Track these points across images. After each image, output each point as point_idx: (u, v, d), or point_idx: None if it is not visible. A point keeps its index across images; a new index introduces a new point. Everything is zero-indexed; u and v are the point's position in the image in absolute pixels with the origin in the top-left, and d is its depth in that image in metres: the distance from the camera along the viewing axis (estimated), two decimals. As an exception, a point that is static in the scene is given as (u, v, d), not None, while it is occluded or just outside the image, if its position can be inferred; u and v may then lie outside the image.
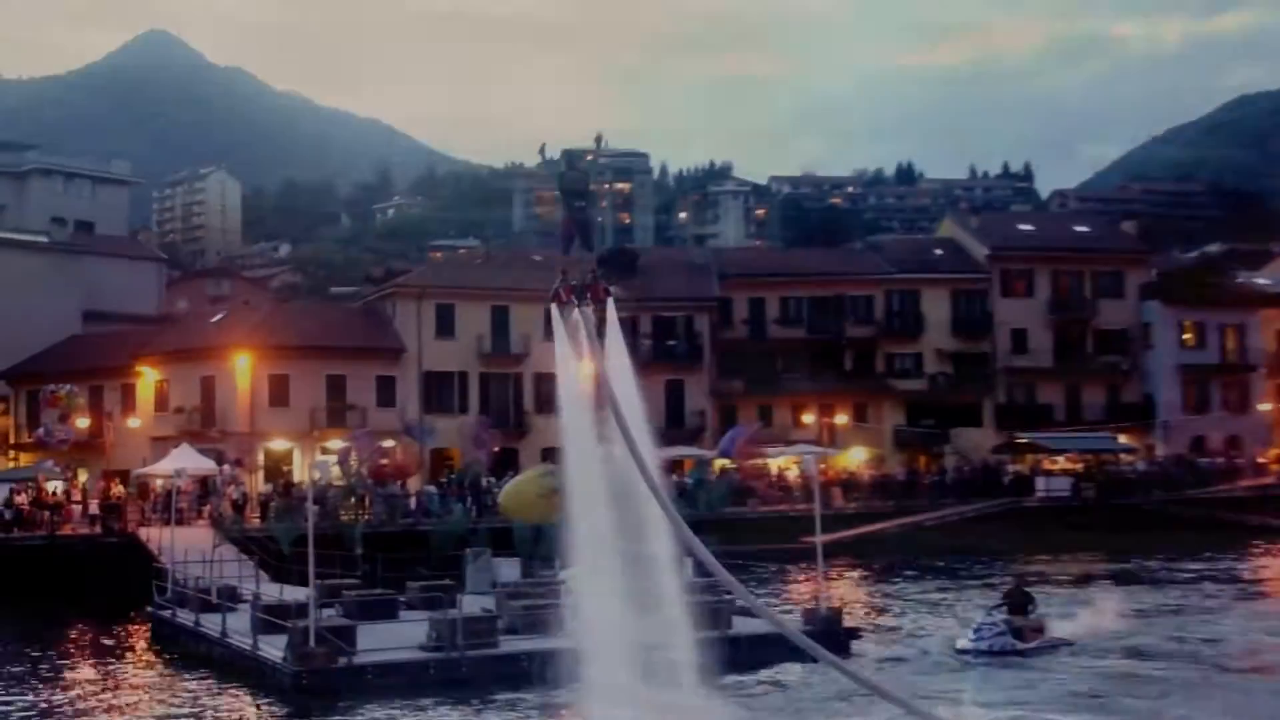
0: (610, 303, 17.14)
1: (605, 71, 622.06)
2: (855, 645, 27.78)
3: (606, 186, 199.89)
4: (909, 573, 46.40)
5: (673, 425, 71.21)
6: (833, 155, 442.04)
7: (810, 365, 75.92)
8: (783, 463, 65.21)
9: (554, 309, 17.23)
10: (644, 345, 73.34)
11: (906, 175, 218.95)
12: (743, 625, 26.97)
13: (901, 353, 77.44)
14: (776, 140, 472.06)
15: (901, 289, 78.44)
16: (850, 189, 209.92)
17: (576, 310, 16.76)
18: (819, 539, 28.95)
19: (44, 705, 24.69)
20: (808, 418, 73.08)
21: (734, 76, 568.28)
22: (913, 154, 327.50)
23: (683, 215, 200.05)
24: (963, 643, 28.12)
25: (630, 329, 72.80)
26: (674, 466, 64.65)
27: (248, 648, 25.56)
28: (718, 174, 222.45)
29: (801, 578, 41.52)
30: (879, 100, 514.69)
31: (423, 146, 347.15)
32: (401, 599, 30.17)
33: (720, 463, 60.93)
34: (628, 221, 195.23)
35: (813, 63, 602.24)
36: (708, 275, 77.51)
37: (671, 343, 74.15)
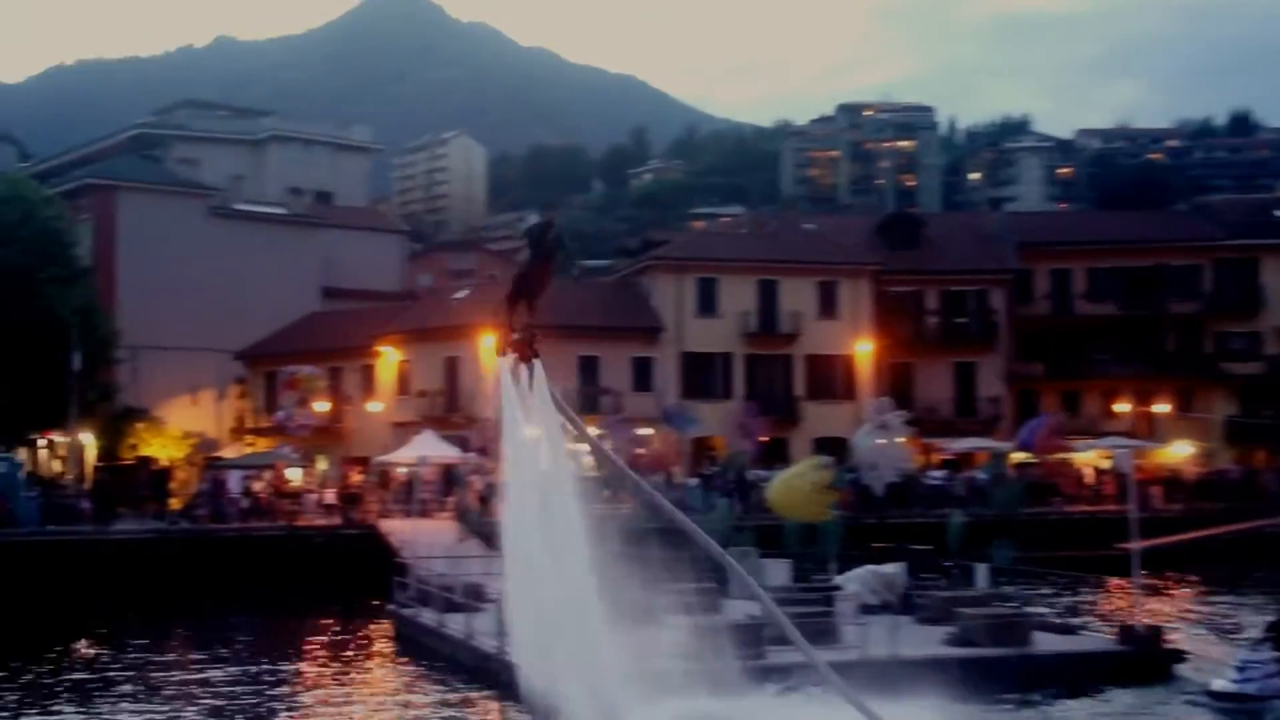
0: (537, 364, 17.87)
1: (884, 14, 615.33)
2: (1179, 670, 26.64)
3: (886, 145, 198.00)
4: (1244, 589, 44.51)
5: (962, 414, 70.27)
6: (1151, 103, 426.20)
7: (1124, 346, 73.82)
8: (1091, 457, 63.46)
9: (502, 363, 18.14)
10: (930, 323, 72.61)
11: (1241, 125, 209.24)
12: (1044, 642, 26.38)
13: (1235, 332, 74.70)
14: (1083, 88, 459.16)
15: (1235, 258, 75.49)
16: (1172, 142, 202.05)
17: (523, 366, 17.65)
18: (1135, 545, 28.03)
19: (285, 706, 25.78)
20: (1120, 406, 70.94)
21: (1032, 14, 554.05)
22: (1249, 99, 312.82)
23: (974, 176, 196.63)
24: (1221, 684, 24.94)
25: (914, 305, 72.45)
26: (963, 460, 63.79)
27: (494, 651, 26.12)
28: (1014, 128, 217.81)
29: (1114, 591, 40.38)
30: (1207, 37, 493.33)
31: (681, 105, 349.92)
32: (659, 602, 30.42)
33: (1017, 456, 59.60)
34: (911, 184, 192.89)
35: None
36: (1003, 244, 75.95)
37: (961, 320, 72.98)
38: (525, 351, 17.72)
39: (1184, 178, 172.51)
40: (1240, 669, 24.60)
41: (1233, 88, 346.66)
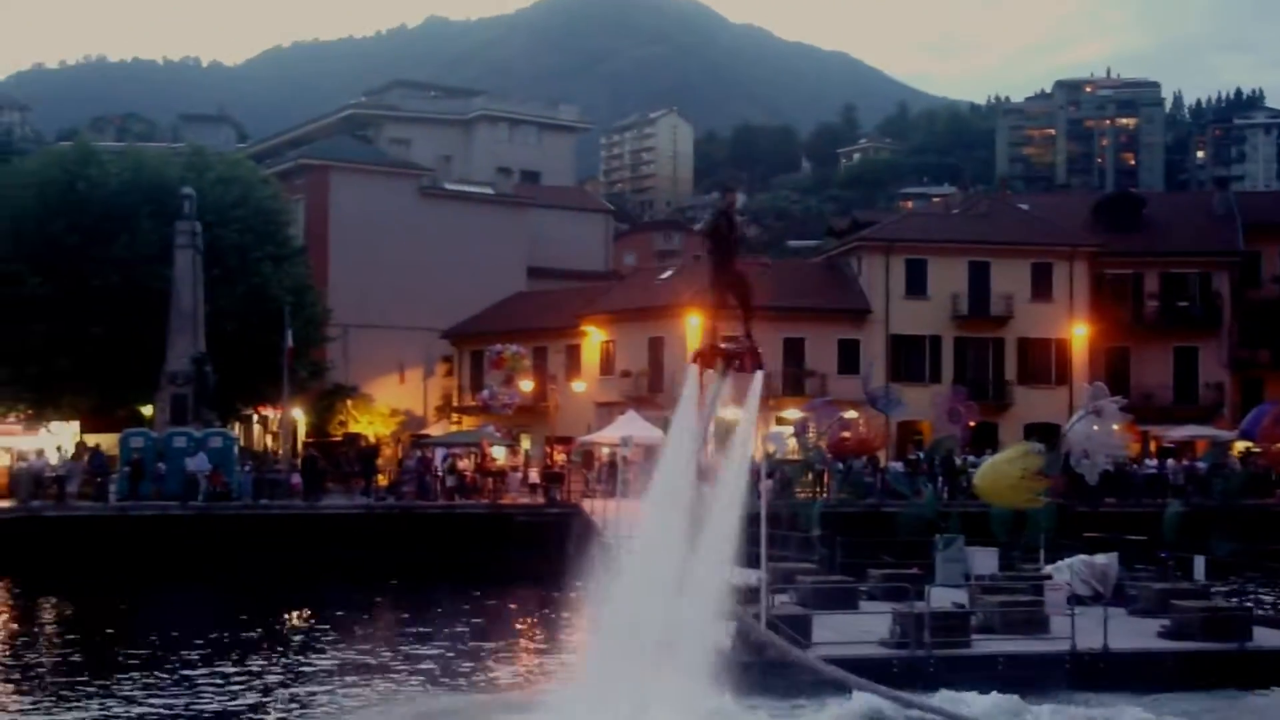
0: (760, 376, 17.49)
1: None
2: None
3: (1106, 122, 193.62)
4: None
5: (1182, 400, 68.73)
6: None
7: (1357, 331, 71.17)
8: (1320, 448, 61.55)
9: (693, 368, 17.69)
10: (1150, 306, 71.04)
11: None
12: (1265, 638, 25.63)
13: None
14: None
15: None
16: None
17: (719, 380, 17.17)
18: (1363, 539, 27.07)
19: (486, 679, 26.28)
20: (1355, 394, 68.52)
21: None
22: None
23: (1200, 154, 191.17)
24: None
25: (1133, 287, 70.85)
26: (1182, 449, 62.23)
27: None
28: (1245, 104, 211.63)
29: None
30: None
31: (893, 81, 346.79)
32: (862, 588, 30.28)
33: (1241, 445, 58.03)
34: (1133, 163, 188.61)
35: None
36: (1229, 224, 73.82)
37: (1183, 304, 71.23)
38: (749, 361, 17.38)
39: None
40: None
41: None
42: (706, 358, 17.48)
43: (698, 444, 17.39)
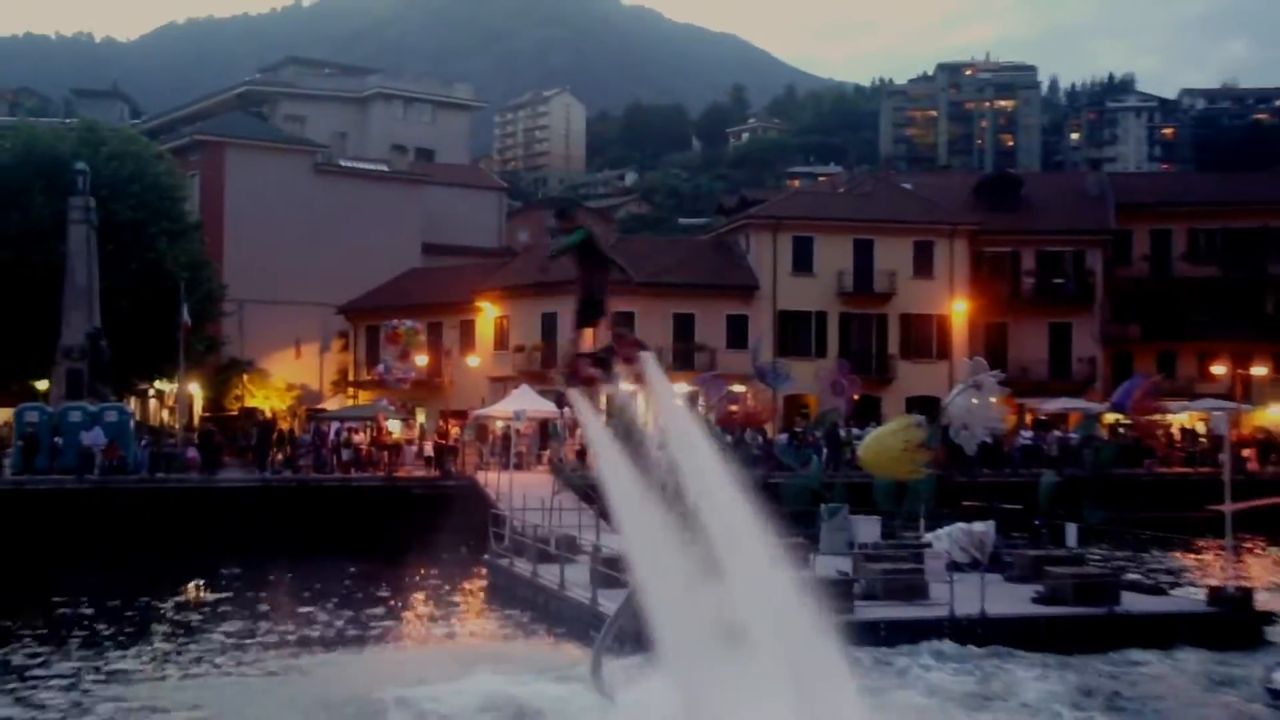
0: (649, 356, 16.07)
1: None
2: (1269, 633, 26.23)
3: (985, 105, 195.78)
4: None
5: (1056, 375, 69.85)
6: (1260, 61, 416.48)
7: (1222, 309, 72.61)
8: (1186, 420, 62.78)
9: (573, 394, 16.42)
10: (1026, 283, 72.01)
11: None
12: (1132, 602, 26.21)
13: (1337, 295, 73.33)
14: (1189, 46, 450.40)
15: (1345, 220, 74.05)
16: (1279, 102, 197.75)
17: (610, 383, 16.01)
18: (1228, 507, 27.68)
19: (379, 648, 26.27)
20: (1217, 369, 69.97)
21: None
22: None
23: (1074, 136, 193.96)
24: None
25: (1010, 265, 71.80)
26: (1056, 421, 63.28)
27: (586, 601, 26.42)
28: (1117, 88, 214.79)
29: (1205, 553, 39.99)
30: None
31: (781, 64, 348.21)
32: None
33: (1111, 417, 59.04)
34: (1011, 144, 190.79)
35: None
36: (1102, 204, 75.01)
37: (1058, 281, 72.26)
38: (628, 348, 16.41)
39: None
40: None
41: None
42: (582, 374, 16.60)
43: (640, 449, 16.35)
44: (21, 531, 41.82)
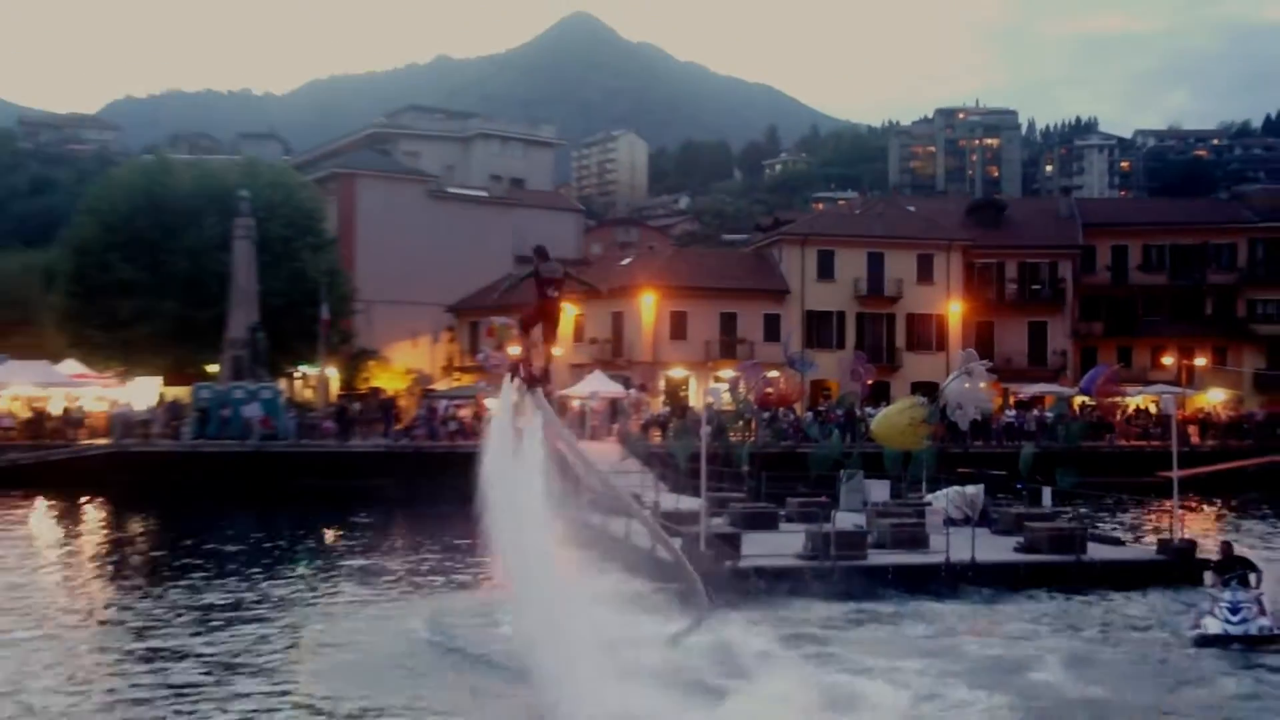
0: (539, 393, 15.97)
1: (978, 32, 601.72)
2: (1207, 576, 25.97)
3: (976, 142, 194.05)
4: (1265, 511, 43.26)
5: (1035, 364, 69.41)
6: (1199, 108, 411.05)
7: (1170, 310, 72.31)
8: (1140, 401, 62.09)
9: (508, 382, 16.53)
10: (1009, 289, 71.55)
11: (1274, 127, 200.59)
12: (1096, 551, 26.00)
13: (1264, 299, 72.39)
14: (1142, 95, 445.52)
15: (1266, 238, 73.52)
16: (1215, 141, 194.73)
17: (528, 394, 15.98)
18: (1175, 474, 27.42)
19: (476, 581, 26.37)
20: (1166, 359, 69.35)
21: (1102, 33, 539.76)
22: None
23: (1049, 168, 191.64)
24: (1214, 626, 19.39)
25: (997, 273, 71.26)
26: (1034, 402, 62.75)
27: (646, 548, 26.38)
28: (1083, 128, 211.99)
29: (1156, 511, 39.53)
30: (1246, 53, 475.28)
31: (807, 108, 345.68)
32: (782, 512, 30.49)
33: (1080, 399, 58.47)
34: (996, 174, 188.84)
35: (1181, 19, 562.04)
36: (1072, 224, 74.43)
37: (1036, 287, 71.83)
38: (536, 380, 16.44)
39: (1225, 171, 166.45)
40: (1234, 609, 19.40)
41: (1268, 96, 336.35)
42: (525, 374, 16.78)
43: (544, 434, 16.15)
44: (195, 485, 42.72)
